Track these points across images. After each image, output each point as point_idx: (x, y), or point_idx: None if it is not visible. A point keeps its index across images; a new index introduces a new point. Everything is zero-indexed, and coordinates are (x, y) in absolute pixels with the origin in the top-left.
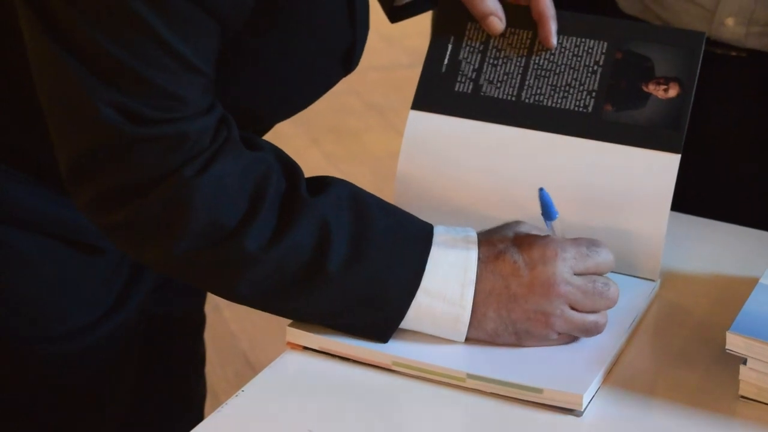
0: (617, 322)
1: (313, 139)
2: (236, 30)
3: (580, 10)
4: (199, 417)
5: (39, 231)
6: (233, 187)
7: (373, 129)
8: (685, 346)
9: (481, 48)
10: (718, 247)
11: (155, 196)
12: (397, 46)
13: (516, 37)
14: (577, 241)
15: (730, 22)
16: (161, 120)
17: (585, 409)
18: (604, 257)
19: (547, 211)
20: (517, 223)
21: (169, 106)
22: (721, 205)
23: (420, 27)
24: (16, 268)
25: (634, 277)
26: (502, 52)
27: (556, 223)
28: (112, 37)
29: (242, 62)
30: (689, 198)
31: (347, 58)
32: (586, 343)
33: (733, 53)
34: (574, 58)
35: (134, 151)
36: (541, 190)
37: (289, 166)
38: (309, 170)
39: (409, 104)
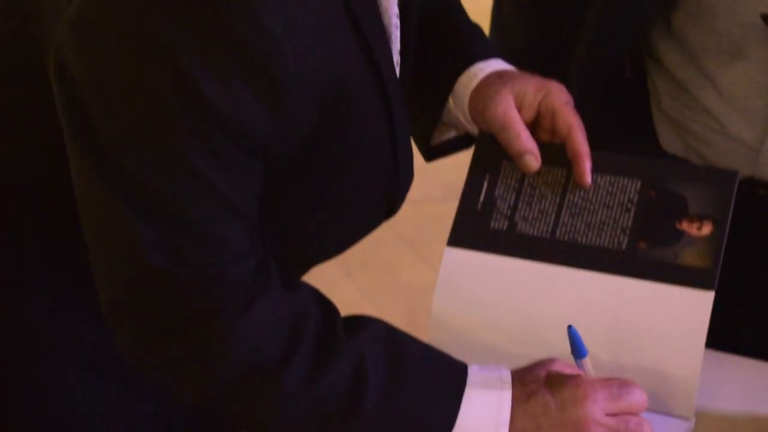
0: None
1: (346, 273)
2: (281, 173)
3: (621, 148)
4: None
5: (79, 364)
6: (272, 329)
7: (406, 262)
8: None
9: (516, 186)
10: (754, 386)
11: (194, 337)
12: (429, 180)
13: (551, 175)
14: (608, 382)
15: None
16: (203, 263)
17: None
18: (636, 398)
19: (577, 350)
20: (551, 361)
21: (211, 249)
22: (757, 343)
23: (453, 161)
24: (56, 402)
25: (669, 415)
26: (537, 190)
27: (586, 361)
28: (163, 181)
29: (284, 204)
30: (724, 335)
31: (390, 202)
32: None
33: None
34: (608, 196)
35: (174, 291)
36: (570, 327)
37: (326, 308)
38: (343, 304)
39: (442, 237)
